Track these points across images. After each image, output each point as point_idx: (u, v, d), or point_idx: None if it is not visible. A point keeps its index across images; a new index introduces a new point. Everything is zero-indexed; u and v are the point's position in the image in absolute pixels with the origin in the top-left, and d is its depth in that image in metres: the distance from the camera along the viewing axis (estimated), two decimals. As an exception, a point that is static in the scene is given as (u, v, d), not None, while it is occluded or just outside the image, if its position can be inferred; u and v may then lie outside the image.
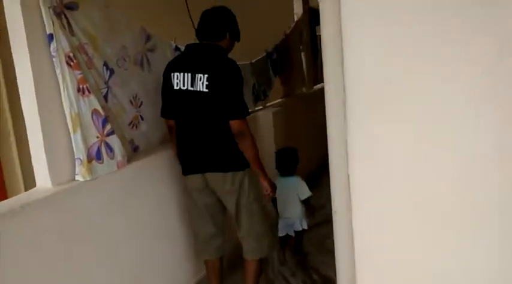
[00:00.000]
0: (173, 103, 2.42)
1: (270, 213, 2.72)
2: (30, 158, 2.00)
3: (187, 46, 2.47)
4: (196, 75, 2.31)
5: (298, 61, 5.03)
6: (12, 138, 3.19)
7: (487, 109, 1.20)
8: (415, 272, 1.40)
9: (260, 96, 4.08)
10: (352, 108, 1.38)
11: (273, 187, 2.52)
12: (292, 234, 3.22)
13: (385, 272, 1.46)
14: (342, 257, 1.63)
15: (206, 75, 2.29)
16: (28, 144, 2.00)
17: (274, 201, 3.09)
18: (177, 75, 2.36)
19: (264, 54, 4.22)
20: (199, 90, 2.31)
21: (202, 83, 2.30)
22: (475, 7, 1.16)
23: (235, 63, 2.37)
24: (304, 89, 5.29)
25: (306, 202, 3.16)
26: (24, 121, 1.98)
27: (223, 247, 2.63)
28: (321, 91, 6.01)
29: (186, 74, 2.34)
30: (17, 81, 1.93)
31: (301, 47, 5.10)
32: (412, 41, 1.25)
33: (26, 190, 2.70)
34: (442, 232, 1.32)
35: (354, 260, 1.60)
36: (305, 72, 5.31)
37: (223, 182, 2.39)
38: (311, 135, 5.03)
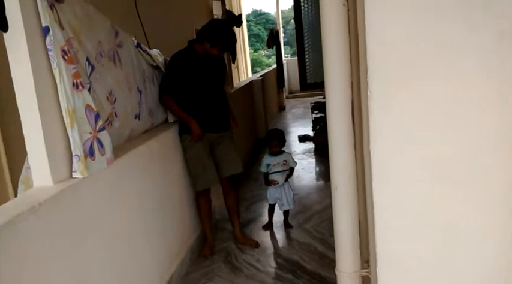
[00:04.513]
0: None
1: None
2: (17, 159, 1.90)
3: None
4: None
5: (223, 60, 5.16)
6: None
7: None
8: (438, 241, 1.42)
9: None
10: (374, 85, 1.47)
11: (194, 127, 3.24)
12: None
13: (408, 241, 1.53)
14: (342, 232, 1.75)
15: None
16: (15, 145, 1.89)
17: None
18: None
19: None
20: None
21: None
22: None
23: (175, 55, 3.23)
24: (228, 88, 5.43)
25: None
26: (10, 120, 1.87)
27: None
28: (241, 89, 6.38)
29: None
30: (12, 76, 1.82)
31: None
32: (436, 19, 1.36)
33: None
34: (460, 200, 1.37)
35: (355, 235, 1.73)
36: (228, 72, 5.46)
37: None
38: (245, 125, 5.40)
